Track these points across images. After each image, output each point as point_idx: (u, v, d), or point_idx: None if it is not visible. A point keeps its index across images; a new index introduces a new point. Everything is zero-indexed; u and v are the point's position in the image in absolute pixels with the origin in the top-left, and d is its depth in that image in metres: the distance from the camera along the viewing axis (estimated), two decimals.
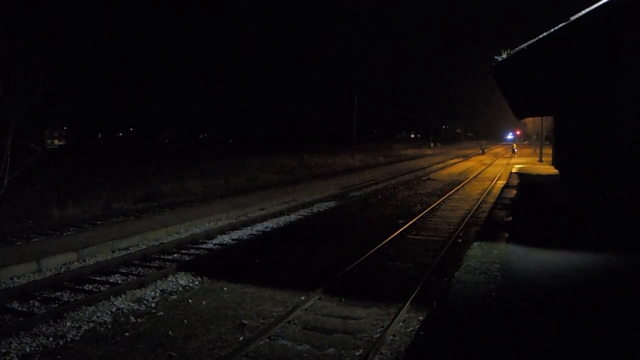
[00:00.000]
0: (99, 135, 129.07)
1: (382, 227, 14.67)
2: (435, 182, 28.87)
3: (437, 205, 18.73)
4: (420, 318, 7.49)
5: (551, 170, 32.07)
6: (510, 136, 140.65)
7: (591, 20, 8.65)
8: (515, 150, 69.61)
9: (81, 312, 7.84)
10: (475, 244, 10.61)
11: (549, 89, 16.39)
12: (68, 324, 7.39)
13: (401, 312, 7.58)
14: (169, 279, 9.56)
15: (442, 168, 41.85)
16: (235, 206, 17.59)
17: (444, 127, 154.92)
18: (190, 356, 6.42)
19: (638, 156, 9.51)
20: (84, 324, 7.40)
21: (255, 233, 13.92)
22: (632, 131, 9.73)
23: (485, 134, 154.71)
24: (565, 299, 7.00)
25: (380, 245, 11.79)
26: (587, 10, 8.53)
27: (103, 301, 8.31)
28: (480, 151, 71.77)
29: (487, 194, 22.48)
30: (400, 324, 7.33)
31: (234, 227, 14.44)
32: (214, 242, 12.73)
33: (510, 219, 13.64)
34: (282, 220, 16.02)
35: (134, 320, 7.62)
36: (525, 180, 25.97)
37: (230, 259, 11.09)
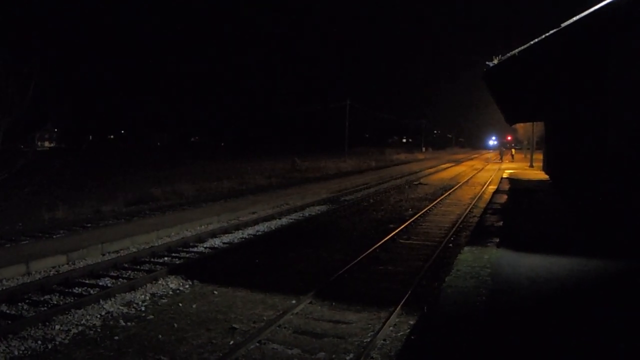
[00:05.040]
0: (90, 138, 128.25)
1: (373, 231, 14.69)
2: (426, 186, 28.95)
3: (428, 209, 18.78)
4: (411, 322, 7.51)
5: (542, 175, 32.27)
6: (493, 142, 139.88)
7: (581, 27, 8.74)
8: (514, 155, 69.55)
9: (70, 315, 7.79)
10: (466, 248, 10.64)
11: (539, 94, 16.53)
12: (57, 327, 7.34)
13: (392, 316, 7.59)
14: (160, 282, 9.52)
15: (434, 173, 42.00)
16: (227, 210, 17.56)
17: (435, 132, 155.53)
18: None
19: (626, 161, 9.60)
20: (73, 328, 7.35)
21: (247, 237, 13.89)
22: (620, 137, 9.83)
23: (478, 139, 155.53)
24: (557, 304, 7.04)
25: (372, 249, 11.80)
26: (577, 17, 8.62)
27: (92, 304, 8.25)
28: (499, 158, 66.86)
29: (478, 199, 22.58)
30: (391, 328, 7.33)
31: (226, 231, 14.40)
32: (205, 246, 12.69)
33: (501, 223, 13.69)
34: (274, 224, 16.00)
35: (124, 324, 7.58)
36: (516, 185, 26.09)
37: (222, 263, 11.05)
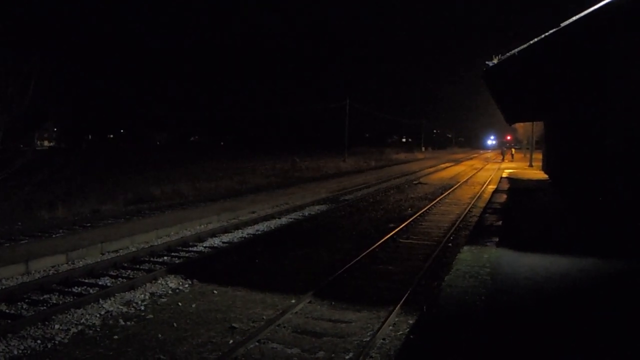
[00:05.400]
0: (89, 137, 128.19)
1: (373, 230, 14.69)
2: (426, 186, 28.96)
3: (428, 209, 18.78)
4: (411, 322, 7.51)
5: (541, 175, 32.29)
6: (491, 141, 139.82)
7: (580, 26, 8.74)
8: (513, 154, 69.46)
9: (70, 314, 7.79)
10: (465, 248, 10.64)
11: (539, 94, 16.52)
12: (56, 326, 7.34)
13: (391, 315, 7.59)
14: (159, 281, 9.52)
15: (433, 172, 42.01)
16: (227, 209, 17.56)
17: (435, 131, 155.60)
18: (179, 359, 6.39)
19: (626, 161, 9.60)
20: (73, 327, 7.35)
21: (247, 236, 13.89)
22: (620, 136, 9.83)
23: (477, 139, 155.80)
24: (556, 304, 7.04)
25: (371, 248, 11.80)
26: (577, 17, 8.62)
27: (92, 304, 8.25)
28: (501, 157, 66.91)
29: (477, 199, 22.58)
30: (390, 327, 7.34)
31: (225, 230, 14.40)
32: (204, 245, 12.69)
33: (500, 223, 13.70)
34: (273, 223, 16.00)
35: (123, 323, 7.58)
36: (515, 185, 26.10)
37: (221, 262, 11.05)
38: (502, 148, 77.30)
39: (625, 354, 5.44)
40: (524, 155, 66.57)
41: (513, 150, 73.66)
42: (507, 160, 62.43)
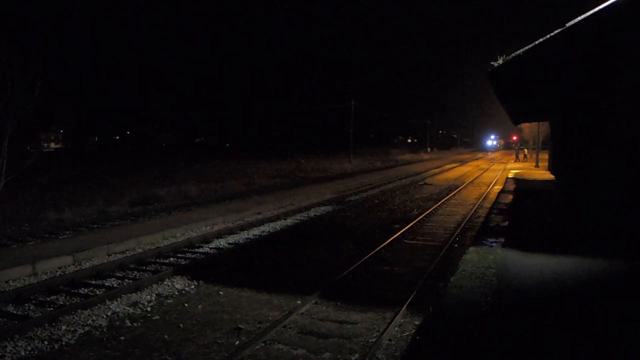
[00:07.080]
0: (96, 139, 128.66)
1: (378, 231, 14.68)
2: (431, 186, 28.92)
3: (433, 210, 18.76)
4: (416, 323, 7.51)
5: (547, 175, 32.14)
6: (491, 141, 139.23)
7: (586, 26, 8.71)
8: (526, 155, 68.61)
9: (77, 315, 7.83)
10: (471, 248, 10.61)
11: (545, 94, 16.47)
12: (63, 327, 7.38)
13: (397, 316, 7.59)
14: (165, 282, 9.55)
15: (439, 173, 41.94)
16: (232, 210, 17.59)
17: (441, 132, 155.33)
18: None
19: (633, 161, 9.55)
20: (80, 328, 7.38)
21: (252, 237, 13.91)
22: (627, 136, 9.78)
23: (481, 140, 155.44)
24: (562, 305, 7.02)
25: (377, 249, 11.80)
26: (582, 16, 8.59)
27: (99, 305, 8.29)
28: (515, 157, 66.07)
29: (483, 199, 22.54)
30: (396, 328, 7.34)
31: (231, 231, 14.43)
32: (210, 246, 12.72)
33: (506, 224, 13.65)
34: (279, 224, 16.02)
35: (130, 324, 7.61)
36: (521, 185, 25.99)
37: (227, 263, 11.08)
38: (516, 149, 77.11)
39: (631, 354, 5.41)
40: (530, 155, 66.31)
41: (526, 150, 72.83)
42: (512, 161, 62.26)
